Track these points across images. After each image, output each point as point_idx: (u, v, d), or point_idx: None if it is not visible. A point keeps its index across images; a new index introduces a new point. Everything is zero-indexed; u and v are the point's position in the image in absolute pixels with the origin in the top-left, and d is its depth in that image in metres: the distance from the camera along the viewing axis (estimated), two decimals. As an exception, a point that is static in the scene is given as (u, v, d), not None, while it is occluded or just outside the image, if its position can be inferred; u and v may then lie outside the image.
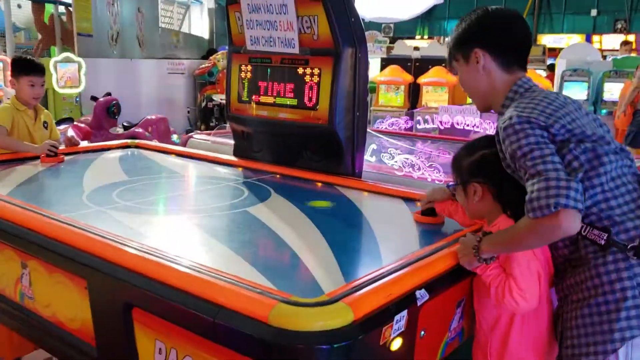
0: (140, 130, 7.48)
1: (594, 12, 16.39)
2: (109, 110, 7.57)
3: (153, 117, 7.71)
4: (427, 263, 1.65)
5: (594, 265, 1.55)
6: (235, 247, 1.88)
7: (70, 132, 6.64)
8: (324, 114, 2.75)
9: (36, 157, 3.14)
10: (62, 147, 3.40)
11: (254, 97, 3.02)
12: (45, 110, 3.62)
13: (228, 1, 2.99)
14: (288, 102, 2.87)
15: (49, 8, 9.45)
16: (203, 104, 9.32)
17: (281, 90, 2.89)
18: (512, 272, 1.63)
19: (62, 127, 6.51)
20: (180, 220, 2.18)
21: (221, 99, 8.73)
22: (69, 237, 1.80)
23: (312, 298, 1.41)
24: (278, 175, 2.90)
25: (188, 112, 9.68)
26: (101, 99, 7.63)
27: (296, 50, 2.79)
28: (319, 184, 2.77)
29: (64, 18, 9.50)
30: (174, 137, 7.85)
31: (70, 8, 9.54)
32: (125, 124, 7.71)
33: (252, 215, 2.24)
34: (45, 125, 3.53)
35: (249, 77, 3.03)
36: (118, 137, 7.31)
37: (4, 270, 2.12)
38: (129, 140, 3.72)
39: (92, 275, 1.70)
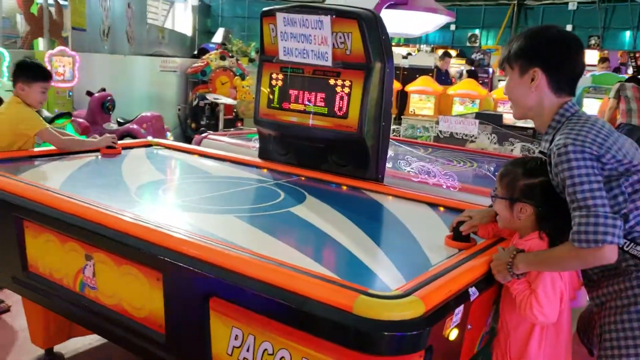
0: (135, 126, 7.55)
1: (569, 27, 16.96)
2: (103, 106, 7.62)
3: (148, 114, 7.78)
4: (474, 264, 1.86)
5: (635, 277, 1.79)
6: (295, 244, 2.06)
7: (69, 128, 6.71)
8: (353, 122, 2.94)
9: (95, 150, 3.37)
10: None
11: (284, 103, 3.19)
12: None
13: (263, 13, 3.15)
14: (318, 110, 3.06)
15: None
16: (195, 103, 9.39)
17: (312, 98, 3.08)
18: (536, 290, 1.81)
19: (61, 122, 6.55)
20: (232, 218, 2.34)
21: (214, 99, 8.81)
22: (145, 232, 1.95)
23: (381, 292, 1.60)
24: (303, 178, 3.08)
25: (179, 109, 9.73)
26: (96, 95, 7.67)
27: (329, 63, 2.97)
28: (347, 188, 2.96)
29: (53, 10, 9.47)
30: (168, 134, 7.94)
31: (60, 0, 9.52)
32: (120, 119, 7.76)
33: (296, 215, 2.42)
34: None
35: (279, 85, 3.21)
36: (113, 132, 7.36)
37: (65, 262, 2.25)
38: (151, 139, 3.85)
39: (169, 268, 1.86)
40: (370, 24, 2.85)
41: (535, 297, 1.80)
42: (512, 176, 1.93)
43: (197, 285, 1.80)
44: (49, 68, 7.88)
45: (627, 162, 1.75)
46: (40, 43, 9.41)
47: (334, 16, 2.87)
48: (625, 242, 1.76)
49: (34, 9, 9.35)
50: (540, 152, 1.97)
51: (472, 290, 1.75)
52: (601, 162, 1.71)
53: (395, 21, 3.73)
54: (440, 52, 15.09)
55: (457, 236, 2.12)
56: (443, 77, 10.00)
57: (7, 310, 3.51)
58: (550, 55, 1.85)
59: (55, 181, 2.64)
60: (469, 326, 1.81)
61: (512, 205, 1.92)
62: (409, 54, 11.72)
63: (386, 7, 3.48)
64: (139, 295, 2.01)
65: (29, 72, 3.38)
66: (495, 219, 2.12)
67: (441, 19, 3.79)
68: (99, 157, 3.35)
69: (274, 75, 3.22)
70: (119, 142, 3.51)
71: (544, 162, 1.92)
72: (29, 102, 3.37)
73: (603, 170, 1.72)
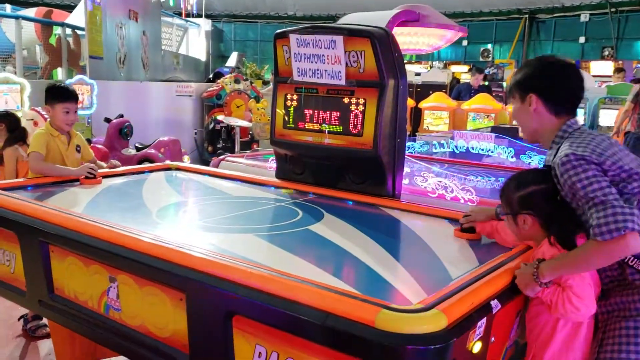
0: (153, 151, 7.67)
1: (582, 39, 16.91)
2: (121, 132, 7.77)
3: (165, 138, 7.90)
4: (496, 276, 1.85)
5: None
6: (315, 261, 2.08)
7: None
8: (368, 140, 2.96)
9: (75, 180, 3.25)
10: (101, 170, 3.51)
11: (299, 123, 3.23)
12: (78, 134, 3.72)
13: (276, 35, 3.21)
14: (333, 129, 3.09)
15: (56, 30, 9.64)
16: (211, 126, 9.51)
17: (327, 117, 3.11)
18: (568, 284, 1.82)
19: (80, 148, 6.67)
20: (252, 237, 2.36)
21: (230, 122, 8.92)
22: (167, 253, 1.98)
23: (403, 305, 1.61)
24: (313, 196, 3.11)
25: (195, 133, 9.86)
26: (114, 121, 7.81)
27: (342, 82, 3.01)
28: (364, 205, 2.98)
29: (70, 40, 9.70)
30: (185, 158, 8.04)
31: (77, 31, 9.76)
32: (137, 144, 7.88)
33: (316, 233, 2.44)
34: (78, 148, 3.64)
35: (294, 105, 3.25)
36: (131, 158, 7.49)
37: (89, 284, 2.29)
38: (169, 163, 3.90)
39: (191, 288, 1.88)
40: (383, 42, 2.89)
41: (571, 290, 1.81)
42: (507, 191, 2.04)
43: (220, 304, 1.81)
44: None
45: (627, 168, 1.82)
46: (59, 73, 9.64)
47: (346, 35, 2.91)
48: (630, 258, 1.82)
49: (53, 40, 9.60)
50: (545, 165, 2.09)
51: (494, 303, 1.75)
52: (603, 168, 1.80)
53: (407, 38, 3.77)
54: (452, 67, 15.16)
55: (464, 229, 2.42)
56: (472, 94, 9.34)
57: (48, 336, 3.53)
58: (544, 82, 2.04)
59: (78, 205, 2.69)
60: (492, 339, 1.80)
61: (515, 219, 2.01)
62: (417, 74, 11.51)
63: (398, 25, 3.52)
64: (163, 316, 2.03)
65: (51, 93, 3.49)
66: (492, 217, 2.31)
67: (453, 35, 3.82)
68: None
69: (288, 96, 3.27)
70: (137, 166, 3.58)
71: (536, 170, 2.09)
72: (57, 123, 3.48)
73: (606, 175, 1.79)
